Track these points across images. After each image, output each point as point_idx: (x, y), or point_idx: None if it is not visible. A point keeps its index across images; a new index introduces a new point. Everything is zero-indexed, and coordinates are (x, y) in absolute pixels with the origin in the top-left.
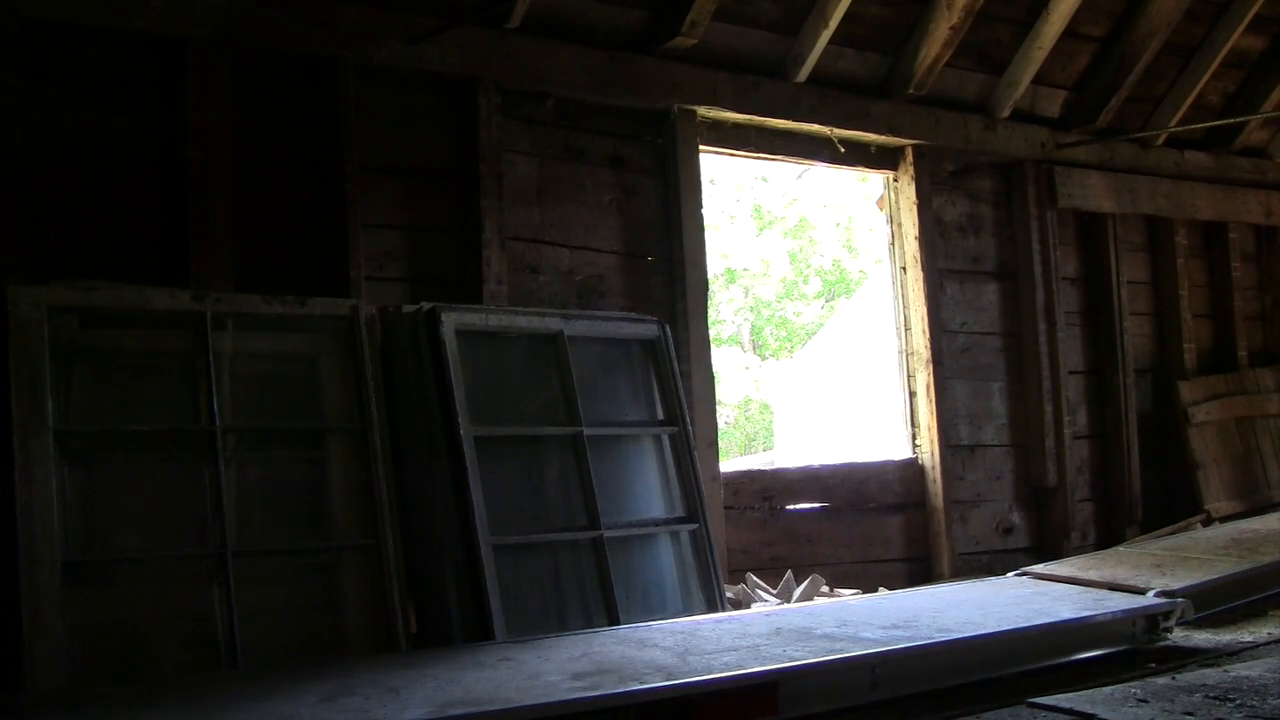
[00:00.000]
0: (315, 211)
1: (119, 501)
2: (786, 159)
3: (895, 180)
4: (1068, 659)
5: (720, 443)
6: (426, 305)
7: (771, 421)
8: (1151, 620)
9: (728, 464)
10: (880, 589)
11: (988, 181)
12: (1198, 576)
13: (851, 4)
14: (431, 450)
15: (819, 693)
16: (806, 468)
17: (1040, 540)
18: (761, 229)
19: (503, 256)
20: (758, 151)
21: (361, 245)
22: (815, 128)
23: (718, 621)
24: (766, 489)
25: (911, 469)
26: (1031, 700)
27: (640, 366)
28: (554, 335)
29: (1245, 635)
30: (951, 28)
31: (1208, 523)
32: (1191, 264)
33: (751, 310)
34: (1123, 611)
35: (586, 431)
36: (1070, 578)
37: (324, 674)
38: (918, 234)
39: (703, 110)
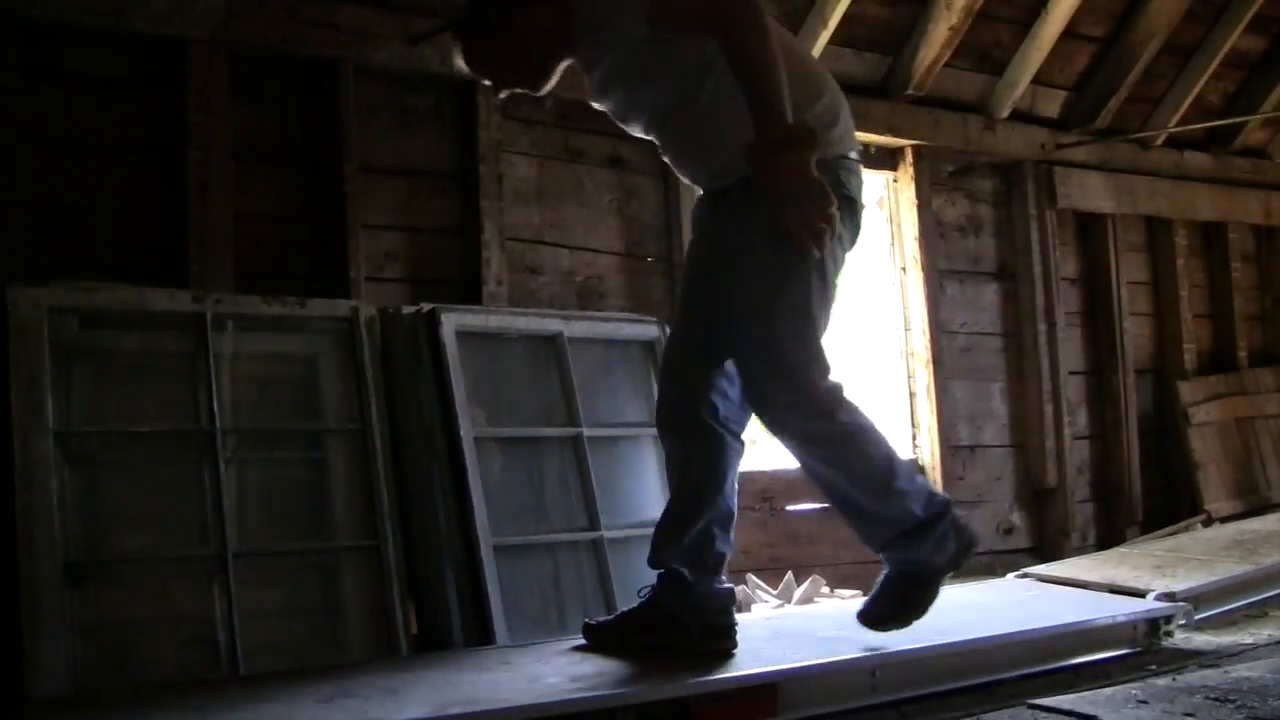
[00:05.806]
0: (315, 212)
1: (119, 503)
2: None
3: (894, 181)
4: (1068, 662)
5: None
6: (426, 306)
7: None
8: (1152, 623)
9: None
10: None
11: (987, 182)
12: (1198, 578)
13: (850, 4)
14: (431, 451)
15: (819, 695)
16: None
17: (1040, 541)
18: None
19: (502, 257)
20: None
21: (361, 246)
22: None
23: None
24: (766, 489)
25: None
26: (1032, 702)
27: (640, 367)
28: (554, 336)
29: (1246, 637)
30: (951, 28)
31: (1208, 523)
32: (1191, 264)
33: None
34: (1124, 615)
35: (586, 432)
36: (1071, 579)
37: (324, 676)
38: (917, 234)
39: None
